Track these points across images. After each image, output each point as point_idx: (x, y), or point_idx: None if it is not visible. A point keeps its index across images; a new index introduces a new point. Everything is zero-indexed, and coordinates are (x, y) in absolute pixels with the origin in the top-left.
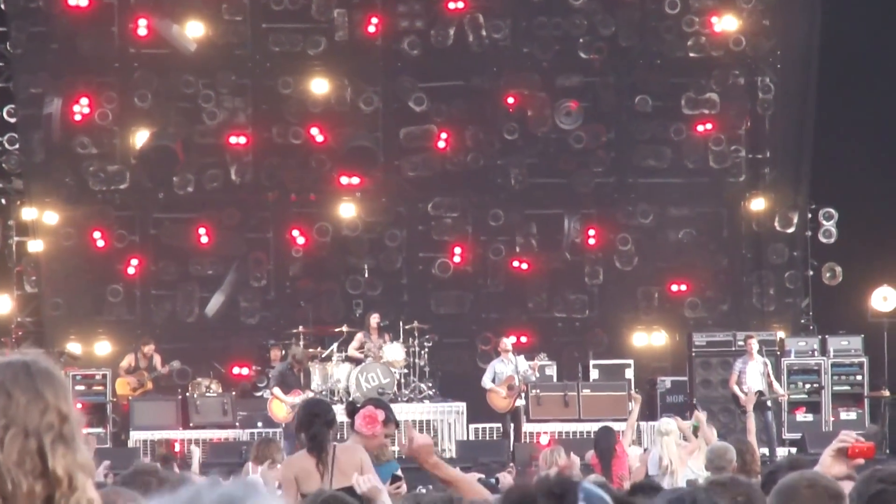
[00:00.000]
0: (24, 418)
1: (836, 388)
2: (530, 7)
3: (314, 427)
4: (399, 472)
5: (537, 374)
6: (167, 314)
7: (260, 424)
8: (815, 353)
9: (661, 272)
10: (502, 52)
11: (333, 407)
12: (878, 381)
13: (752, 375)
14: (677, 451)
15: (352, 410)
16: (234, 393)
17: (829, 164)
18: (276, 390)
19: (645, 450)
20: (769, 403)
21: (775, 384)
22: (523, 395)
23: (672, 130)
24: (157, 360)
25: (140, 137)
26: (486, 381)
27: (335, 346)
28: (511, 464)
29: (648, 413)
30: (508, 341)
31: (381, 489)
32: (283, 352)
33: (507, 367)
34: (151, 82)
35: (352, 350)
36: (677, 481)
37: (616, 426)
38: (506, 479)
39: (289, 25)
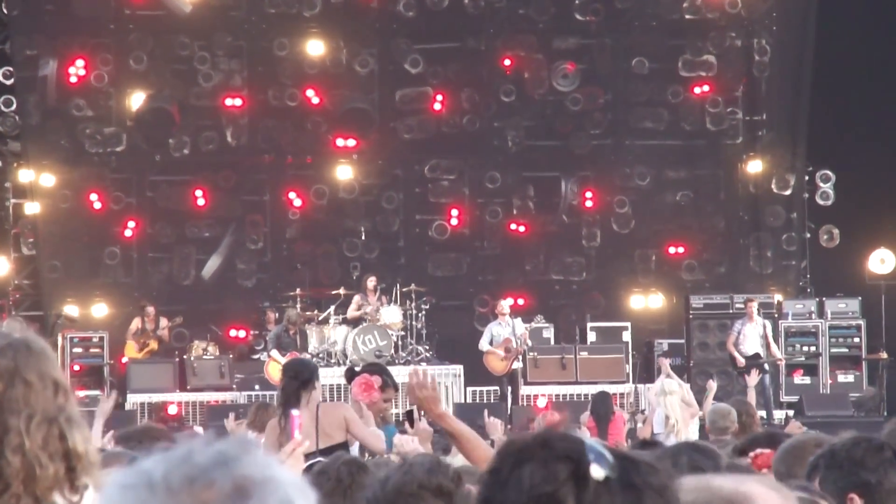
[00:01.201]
0: (44, 404)
1: (833, 350)
2: None
3: (283, 381)
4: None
5: (529, 342)
6: (164, 277)
7: (257, 387)
8: (813, 316)
9: (658, 234)
10: (498, 14)
11: (329, 370)
12: (875, 343)
13: (751, 338)
14: (681, 411)
15: (350, 377)
16: (231, 356)
17: (827, 126)
18: (274, 352)
19: (642, 411)
20: (766, 367)
21: (773, 347)
22: (521, 357)
23: (669, 92)
24: (163, 322)
25: (136, 99)
26: (484, 344)
27: (332, 308)
28: (509, 426)
29: (646, 376)
30: (506, 304)
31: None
32: (277, 314)
33: (505, 330)
34: (147, 44)
35: (351, 312)
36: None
37: (613, 389)
38: (494, 423)
39: None
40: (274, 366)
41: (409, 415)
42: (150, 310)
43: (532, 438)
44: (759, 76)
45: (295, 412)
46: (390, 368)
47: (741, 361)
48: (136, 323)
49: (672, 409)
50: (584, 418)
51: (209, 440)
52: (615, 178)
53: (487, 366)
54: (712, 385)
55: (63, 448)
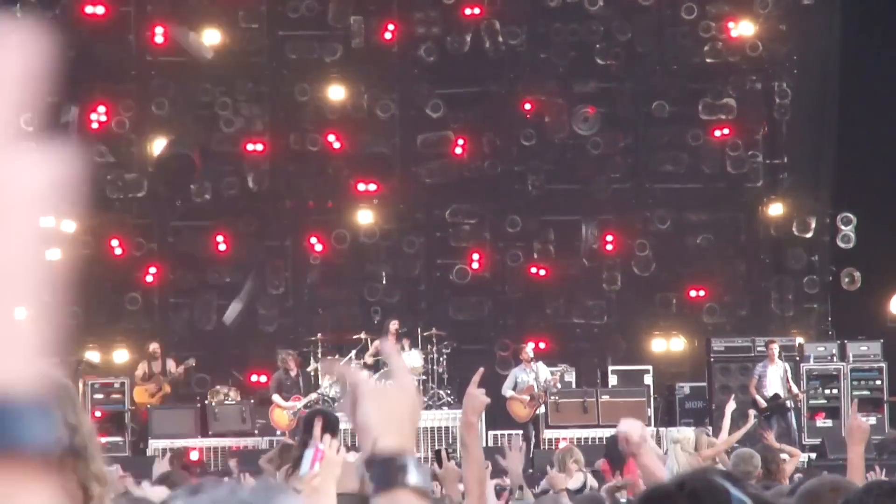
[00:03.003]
0: None
1: (855, 393)
2: (546, 13)
3: (304, 436)
4: None
5: (559, 386)
6: (185, 322)
7: (279, 432)
8: (835, 359)
9: (679, 278)
10: (519, 58)
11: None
12: None
13: (773, 380)
14: (686, 459)
15: None
16: (252, 401)
17: (847, 168)
18: (276, 397)
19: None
20: (789, 405)
21: (794, 387)
22: (543, 403)
23: (689, 136)
24: (170, 363)
25: (157, 145)
26: (507, 390)
27: (353, 353)
28: (530, 469)
29: (668, 419)
30: (530, 349)
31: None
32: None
33: (529, 376)
34: (168, 90)
35: (368, 357)
36: None
37: None
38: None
39: (305, 33)
40: (278, 411)
41: (437, 454)
42: (155, 346)
43: (678, 490)
44: (780, 119)
45: (320, 445)
46: None
47: (763, 405)
48: (142, 367)
49: (675, 457)
50: (599, 463)
51: (234, 489)
52: (636, 221)
53: (511, 412)
54: (751, 415)
55: None
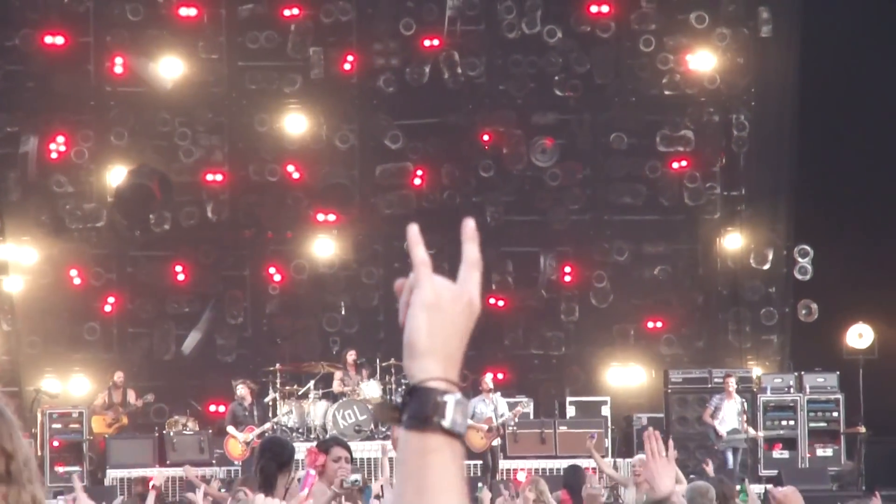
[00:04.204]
0: None
1: (812, 424)
2: (505, 45)
3: (261, 462)
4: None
5: (517, 420)
6: (144, 352)
7: (237, 462)
8: (792, 390)
9: (636, 309)
10: (478, 90)
11: (309, 445)
12: (853, 417)
13: (729, 414)
14: None
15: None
16: (210, 430)
17: (806, 200)
18: (230, 429)
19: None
20: (745, 443)
21: (750, 429)
22: (500, 437)
23: (647, 168)
24: (130, 394)
25: (116, 175)
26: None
27: (312, 383)
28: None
29: (625, 450)
30: (489, 379)
31: None
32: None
33: (488, 407)
34: (128, 120)
35: (336, 387)
36: None
37: (593, 463)
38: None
39: (265, 63)
40: (232, 442)
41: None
42: (120, 375)
43: None
44: (738, 151)
45: (312, 471)
46: (370, 443)
47: (722, 432)
48: (102, 396)
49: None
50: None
51: None
52: (594, 252)
53: (467, 441)
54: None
55: None
